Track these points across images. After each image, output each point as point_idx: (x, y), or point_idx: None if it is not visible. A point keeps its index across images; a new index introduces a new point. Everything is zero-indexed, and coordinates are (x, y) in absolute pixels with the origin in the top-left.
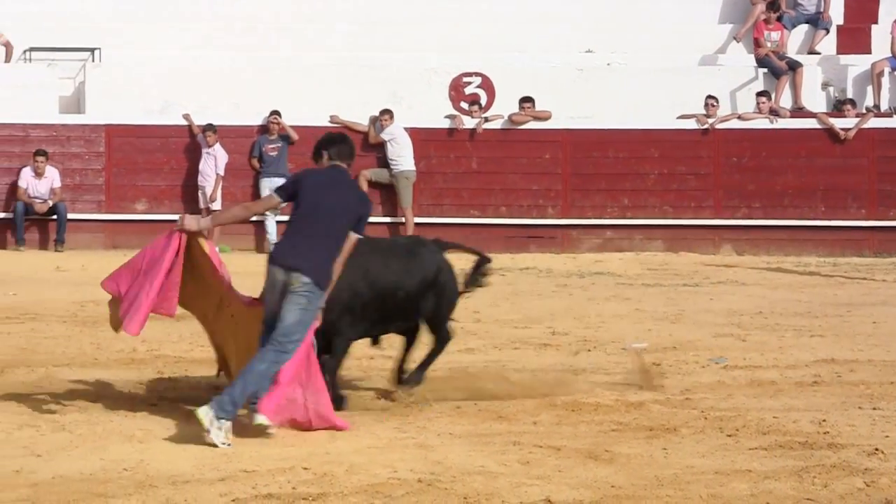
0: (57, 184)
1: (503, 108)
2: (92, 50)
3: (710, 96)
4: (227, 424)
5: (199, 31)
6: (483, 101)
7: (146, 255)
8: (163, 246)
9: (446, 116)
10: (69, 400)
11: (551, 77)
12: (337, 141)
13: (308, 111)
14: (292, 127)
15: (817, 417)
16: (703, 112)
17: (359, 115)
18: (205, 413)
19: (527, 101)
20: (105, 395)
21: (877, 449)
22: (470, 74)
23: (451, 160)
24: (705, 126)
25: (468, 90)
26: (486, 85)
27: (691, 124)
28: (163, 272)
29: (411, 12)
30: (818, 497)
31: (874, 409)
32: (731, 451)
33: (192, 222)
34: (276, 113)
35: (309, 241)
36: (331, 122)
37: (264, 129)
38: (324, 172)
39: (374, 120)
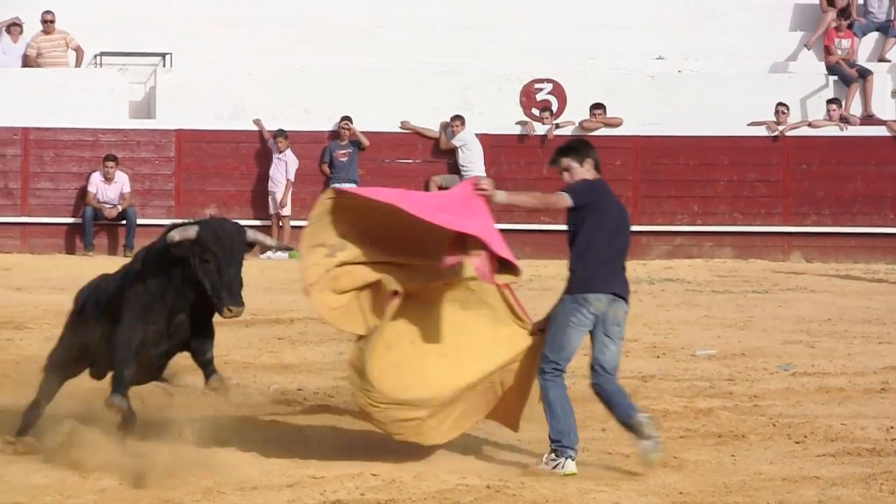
0: (127, 189)
1: (574, 114)
2: (163, 55)
3: (780, 103)
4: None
5: (270, 36)
6: (554, 108)
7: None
8: (465, 196)
9: (517, 123)
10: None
11: (622, 84)
12: (593, 148)
13: (379, 117)
14: (363, 133)
15: (885, 424)
16: (774, 119)
17: (430, 121)
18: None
19: (598, 107)
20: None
21: None
22: (541, 81)
23: (522, 166)
24: (775, 133)
25: (539, 96)
26: (558, 91)
27: (762, 131)
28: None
29: (483, 18)
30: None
31: None
32: (798, 458)
33: (495, 191)
34: (347, 119)
35: (619, 262)
36: (402, 127)
37: (335, 135)
38: (606, 184)
39: (445, 126)
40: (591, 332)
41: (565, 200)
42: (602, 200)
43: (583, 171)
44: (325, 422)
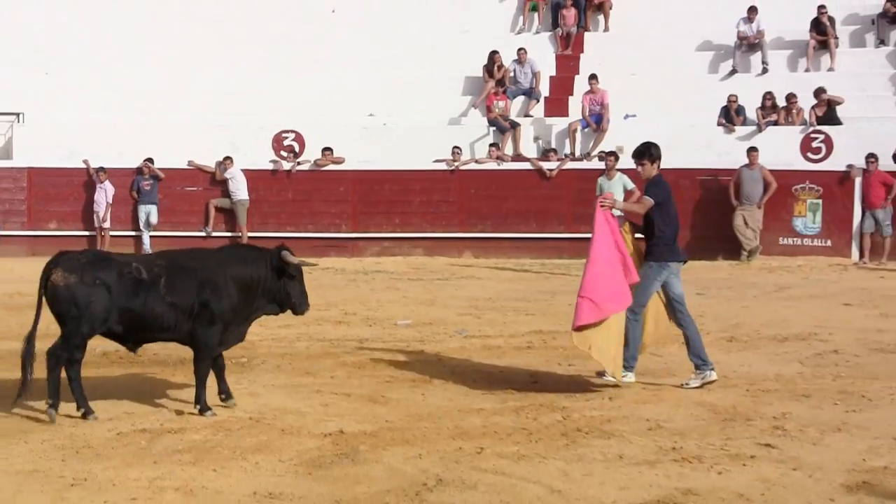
0: None
1: (311, 154)
2: (17, 114)
3: (455, 147)
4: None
5: (93, 100)
6: (297, 150)
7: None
8: (602, 228)
9: (270, 161)
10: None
11: (345, 132)
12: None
13: (172, 157)
14: (160, 169)
15: (530, 371)
16: (451, 158)
17: (208, 160)
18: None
19: (327, 149)
20: None
21: (571, 393)
22: (287, 131)
23: (274, 192)
24: (452, 167)
25: (286, 142)
26: (299, 138)
27: (443, 166)
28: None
29: (247, 85)
30: (529, 426)
31: (569, 365)
32: (469, 396)
33: (615, 201)
34: (149, 159)
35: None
36: (188, 165)
37: (140, 171)
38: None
39: (218, 164)
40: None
41: (650, 202)
42: (669, 194)
43: (653, 169)
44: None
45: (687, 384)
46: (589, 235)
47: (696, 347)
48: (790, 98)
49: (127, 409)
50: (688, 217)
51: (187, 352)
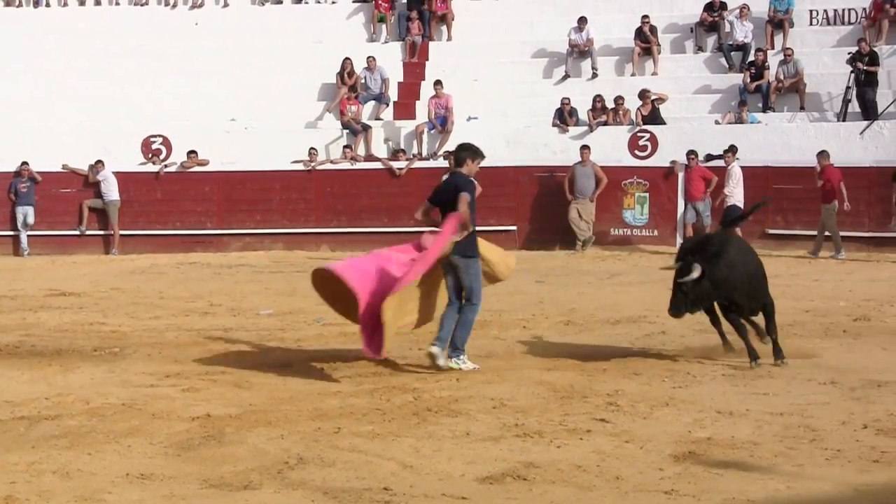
0: None
1: (178, 157)
2: None
3: (312, 148)
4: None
5: None
6: (163, 154)
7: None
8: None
9: (139, 163)
10: None
11: (209, 136)
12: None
13: (48, 161)
14: (37, 172)
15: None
16: (308, 158)
17: (82, 164)
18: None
19: (192, 152)
20: None
21: (422, 376)
22: (155, 136)
23: (144, 192)
24: (309, 168)
25: (154, 146)
26: (166, 143)
27: (300, 167)
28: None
29: (119, 91)
30: (383, 407)
31: (420, 349)
32: (327, 380)
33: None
34: (25, 163)
35: None
36: (63, 168)
37: (17, 174)
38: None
39: (91, 167)
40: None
41: (468, 199)
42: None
43: (475, 166)
44: (28, 364)
45: (456, 364)
46: (436, 229)
47: (465, 333)
48: (618, 100)
49: (6, 399)
50: (526, 211)
51: (62, 344)
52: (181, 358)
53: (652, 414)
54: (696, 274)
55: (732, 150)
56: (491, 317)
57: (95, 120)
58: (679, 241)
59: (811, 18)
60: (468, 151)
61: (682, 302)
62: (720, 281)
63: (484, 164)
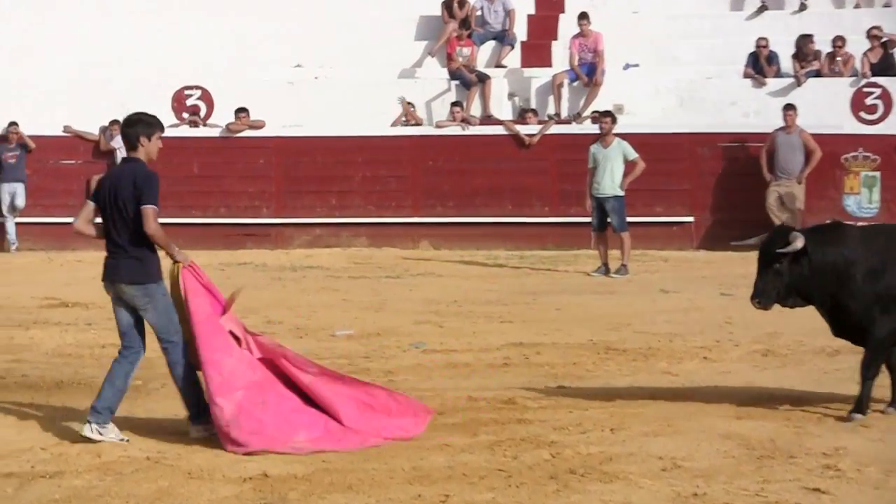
0: None
1: (221, 118)
2: None
3: (408, 103)
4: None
5: None
6: (203, 112)
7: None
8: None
9: (170, 126)
10: None
11: (264, 89)
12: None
13: (43, 122)
14: (30, 136)
15: (507, 395)
16: (402, 115)
17: (91, 126)
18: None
19: (242, 111)
20: None
21: (561, 424)
22: (191, 87)
23: (174, 166)
24: (406, 131)
25: (189, 102)
26: (206, 97)
27: (392, 131)
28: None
29: (135, 28)
30: (509, 468)
31: (558, 387)
32: (430, 428)
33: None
34: (14, 124)
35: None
36: (64, 131)
37: (3, 139)
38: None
39: (103, 130)
40: None
41: (156, 211)
42: None
43: (155, 145)
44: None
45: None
46: (578, 219)
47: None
48: (836, 42)
49: None
50: (707, 195)
51: (63, 374)
52: None
53: (888, 482)
54: (798, 244)
55: None
56: (658, 343)
57: (107, 65)
58: None
59: None
60: (141, 125)
61: (771, 286)
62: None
63: (647, 129)
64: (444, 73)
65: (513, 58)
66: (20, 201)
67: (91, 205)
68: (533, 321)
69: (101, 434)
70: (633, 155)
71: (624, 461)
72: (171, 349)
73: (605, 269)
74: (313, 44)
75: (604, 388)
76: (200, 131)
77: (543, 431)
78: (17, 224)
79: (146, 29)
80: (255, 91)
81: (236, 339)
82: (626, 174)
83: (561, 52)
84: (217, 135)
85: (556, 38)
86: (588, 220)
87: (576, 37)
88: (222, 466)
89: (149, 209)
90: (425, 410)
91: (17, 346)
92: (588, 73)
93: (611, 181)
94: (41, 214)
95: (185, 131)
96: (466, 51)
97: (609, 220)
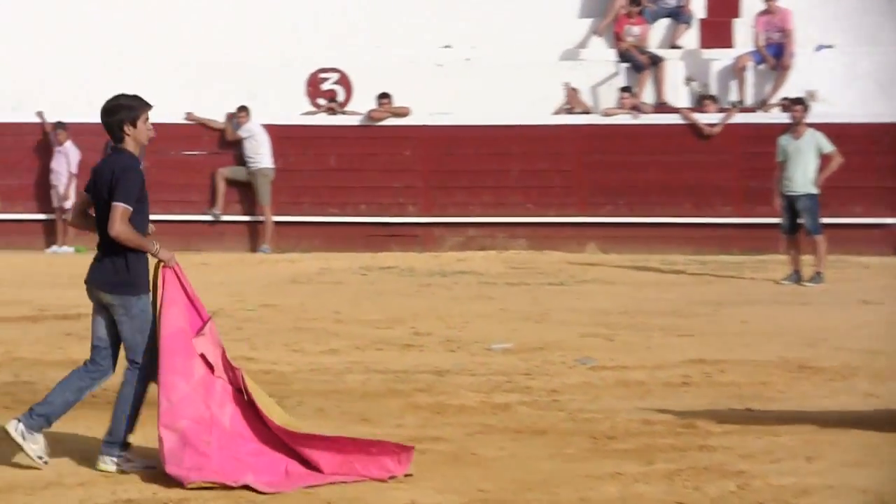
0: None
1: (361, 104)
2: None
3: (571, 89)
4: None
5: (53, 26)
6: (340, 97)
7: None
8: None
9: (303, 113)
10: None
11: (409, 72)
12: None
13: (163, 109)
14: None
15: (687, 419)
16: (565, 102)
17: (215, 113)
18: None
19: (384, 96)
20: None
21: (749, 451)
22: (326, 70)
23: (310, 157)
24: (568, 118)
25: (325, 86)
26: (343, 80)
27: (555, 120)
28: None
29: (265, 5)
30: (690, 500)
31: (745, 409)
32: (599, 454)
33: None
34: None
35: None
36: (186, 119)
37: None
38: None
39: (230, 117)
40: None
41: (127, 211)
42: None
43: (143, 134)
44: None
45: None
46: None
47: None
48: None
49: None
50: None
51: None
52: (370, 414)
53: None
54: None
55: None
56: (859, 361)
57: (234, 46)
58: None
59: None
60: (122, 111)
61: None
62: None
63: (843, 119)
64: (612, 54)
65: (690, 37)
66: None
67: (86, 195)
68: (715, 335)
69: (23, 438)
70: (828, 148)
71: (821, 494)
72: (130, 368)
73: (797, 277)
74: (464, 21)
75: (797, 411)
76: (338, 119)
77: (729, 459)
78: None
79: (276, 4)
80: (399, 74)
81: (208, 365)
82: (820, 169)
83: (744, 32)
84: (357, 123)
85: (738, 16)
86: (777, 220)
87: (761, 14)
88: (365, 495)
89: (118, 207)
90: (405, 449)
91: None
92: (775, 54)
93: (803, 177)
94: (161, 212)
95: (321, 119)
96: (637, 29)
97: (801, 221)
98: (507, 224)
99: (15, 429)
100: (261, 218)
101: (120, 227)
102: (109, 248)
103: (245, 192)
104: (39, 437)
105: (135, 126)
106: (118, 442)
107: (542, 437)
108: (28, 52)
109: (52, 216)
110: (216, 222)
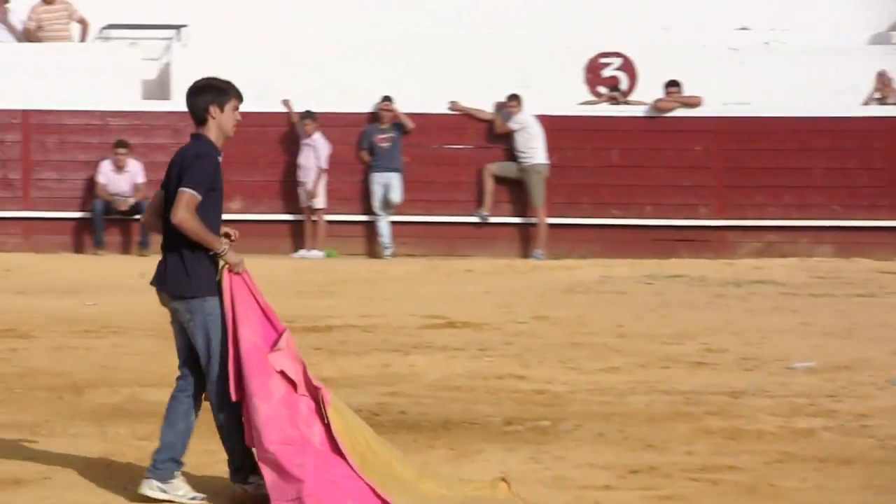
0: (140, 179)
1: (646, 93)
2: (178, 27)
3: (883, 77)
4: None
5: (301, 7)
6: (624, 86)
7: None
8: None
9: (582, 103)
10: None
11: (701, 58)
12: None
13: (425, 97)
14: (407, 114)
15: None
16: (875, 91)
17: (483, 102)
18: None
19: (673, 85)
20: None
21: None
22: (608, 55)
23: (588, 153)
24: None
25: (606, 73)
26: (627, 67)
27: (863, 112)
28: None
29: None
30: None
31: None
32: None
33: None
34: (387, 99)
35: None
36: (451, 109)
37: (374, 118)
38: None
39: (499, 107)
40: None
41: (194, 198)
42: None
43: (223, 119)
44: None
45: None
46: None
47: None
48: None
49: None
50: None
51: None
52: (655, 440)
53: None
54: None
55: None
56: None
57: (505, 29)
58: None
59: None
60: (210, 92)
61: None
62: None
63: None
64: None
65: None
66: (396, 195)
67: (162, 193)
68: None
69: (163, 492)
70: None
71: None
72: (210, 390)
73: None
74: (761, 1)
75: None
76: (621, 110)
77: None
78: (392, 223)
79: None
80: (690, 60)
81: (290, 382)
82: None
83: None
84: (642, 114)
85: None
86: None
87: None
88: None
89: (184, 192)
90: None
91: (394, 375)
92: None
93: None
94: (422, 212)
95: (602, 110)
96: None
97: None
98: (811, 228)
99: (150, 488)
100: (533, 220)
101: (183, 213)
102: (169, 245)
103: (515, 190)
104: (178, 482)
105: (222, 110)
106: (240, 470)
107: (849, 467)
108: (274, 35)
109: (299, 217)
110: (483, 224)
